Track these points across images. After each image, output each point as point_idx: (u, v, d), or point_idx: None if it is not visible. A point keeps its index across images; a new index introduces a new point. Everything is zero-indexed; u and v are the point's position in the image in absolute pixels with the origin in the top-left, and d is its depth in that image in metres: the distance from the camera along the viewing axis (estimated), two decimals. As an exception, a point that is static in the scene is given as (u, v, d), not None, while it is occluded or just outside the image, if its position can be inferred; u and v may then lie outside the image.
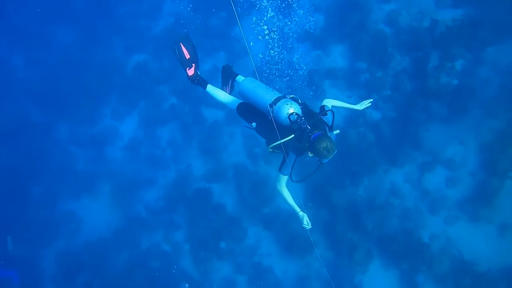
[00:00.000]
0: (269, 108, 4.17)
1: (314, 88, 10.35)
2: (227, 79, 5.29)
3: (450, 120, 9.05)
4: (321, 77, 10.39)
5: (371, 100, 4.91)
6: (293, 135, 3.98)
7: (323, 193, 9.25)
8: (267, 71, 9.71)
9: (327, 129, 4.09)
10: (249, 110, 4.69)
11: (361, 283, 8.73)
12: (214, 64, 11.60)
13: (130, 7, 13.83)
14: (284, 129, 4.05)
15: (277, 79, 10.10)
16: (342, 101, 4.78)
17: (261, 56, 9.83)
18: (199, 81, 5.06)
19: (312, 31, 10.39)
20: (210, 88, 5.08)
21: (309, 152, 3.95)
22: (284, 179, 4.32)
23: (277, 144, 4.13)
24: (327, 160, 3.92)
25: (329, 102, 4.60)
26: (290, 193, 4.48)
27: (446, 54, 9.46)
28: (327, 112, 4.20)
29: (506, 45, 9.15)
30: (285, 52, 10.02)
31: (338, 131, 4.15)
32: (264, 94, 4.33)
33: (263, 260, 9.60)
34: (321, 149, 3.79)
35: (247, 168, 10.34)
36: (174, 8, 13.37)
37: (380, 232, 8.79)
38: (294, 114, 4.02)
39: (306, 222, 4.45)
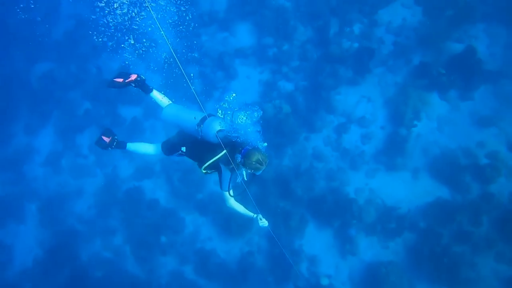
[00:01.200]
0: (197, 128, 4.17)
1: (225, 70, 10.44)
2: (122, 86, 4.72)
3: (356, 81, 9.60)
4: (231, 57, 10.50)
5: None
6: (224, 151, 4.04)
7: (251, 170, 9.43)
8: (183, 57, 9.63)
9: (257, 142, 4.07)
10: (174, 141, 4.67)
11: (301, 247, 9.09)
12: (124, 60, 11.26)
13: (23, 14, 12.90)
14: (215, 147, 4.08)
15: (193, 63, 10.09)
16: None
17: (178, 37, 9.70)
18: (117, 145, 5.03)
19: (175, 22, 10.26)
20: (129, 146, 5.05)
21: (242, 167, 4.00)
22: (228, 194, 4.37)
23: (210, 164, 4.15)
24: (260, 172, 4.01)
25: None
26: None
27: (344, 20, 9.97)
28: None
29: (394, 6, 9.83)
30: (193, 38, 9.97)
31: (265, 144, 4.20)
32: (189, 116, 4.32)
33: (205, 245, 9.67)
34: (253, 162, 3.90)
35: (173, 158, 10.23)
36: (72, 9, 12.72)
37: (309, 196, 9.16)
38: (222, 130, 4.06)
39: (260, 220, 4.53)
